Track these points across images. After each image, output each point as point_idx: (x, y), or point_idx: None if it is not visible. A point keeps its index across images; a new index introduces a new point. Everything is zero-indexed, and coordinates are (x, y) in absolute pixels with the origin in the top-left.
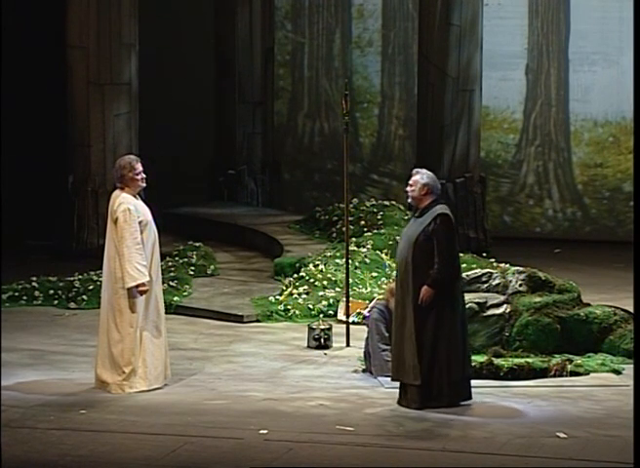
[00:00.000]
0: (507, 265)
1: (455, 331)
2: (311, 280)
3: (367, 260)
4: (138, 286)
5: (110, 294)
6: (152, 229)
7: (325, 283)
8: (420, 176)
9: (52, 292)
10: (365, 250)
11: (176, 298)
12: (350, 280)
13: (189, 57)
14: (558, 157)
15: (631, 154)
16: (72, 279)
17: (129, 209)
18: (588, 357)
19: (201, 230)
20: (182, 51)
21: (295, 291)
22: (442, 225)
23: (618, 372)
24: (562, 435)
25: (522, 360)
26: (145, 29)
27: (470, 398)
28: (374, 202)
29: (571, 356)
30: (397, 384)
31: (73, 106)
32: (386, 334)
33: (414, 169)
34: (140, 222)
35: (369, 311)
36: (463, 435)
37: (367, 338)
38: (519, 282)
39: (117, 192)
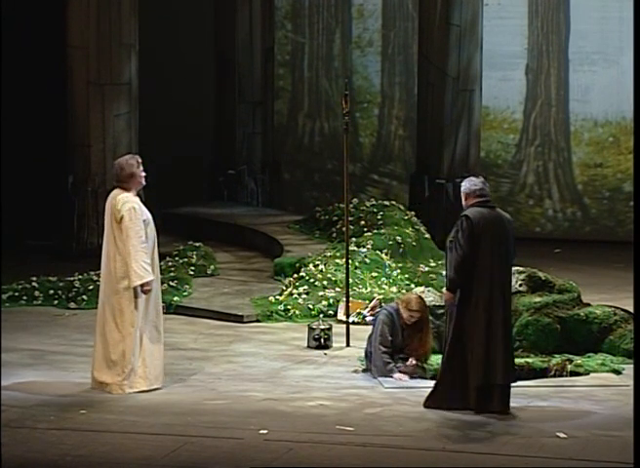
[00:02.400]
0: None
1: (473, 336)
2: (311, 280)
3: (367, 260)
4: (143, 284)
5: (109, 295)
6: (153, 228)
7: (325, 283)
8: (462, 184)
9: (52, 292)
10: (365, 250)
11: (176, 298)
12: (350, 280)
13: (189, 57)
14: (558, 157)
15: (631, 154)
16: (72, 279)
17: (134, 207)
18: (588, 357)
19: (201, 230)
20: (182, 51)
21: (295, 291)
22: (455, 228)
23: (618, 372)
24: (562, 435)
25: (522, 360)
26: (145, 29)
27: (497, 410)
28: (374, 202)
29: (571, 356)
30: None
31: (73, 106)
32: (389, 338)
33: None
34: (143, 221)
35: (369, 311)
36: (463, 435)
37: (369, 337)
38: (519, 282)
39: (117, 191)
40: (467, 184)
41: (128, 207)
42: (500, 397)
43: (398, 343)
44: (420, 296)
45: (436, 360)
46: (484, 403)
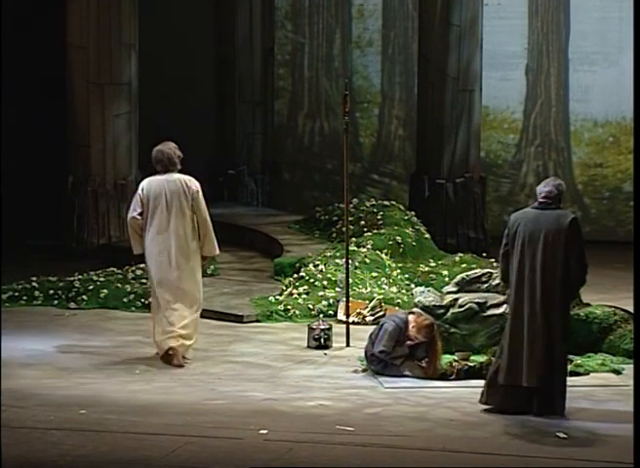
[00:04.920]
0: None
1: (505, 338)
2: (311, 280)
3: (367, 260)
4: None
5: (184, 261)
6: None
7: (325, 283)
8: None
9: (52, 291)
10: (365, 250)
11: None
12: (350, 280)
13: (189, 57)
14: (558, 157)
15: (631, 154)
16: (72, 279)
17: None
18: (588, 357)
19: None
20: (182, 51)
21: (295, 291)
22: None
23: (618, 372)
24: (562, 435)
25: None
26: (145, 29)
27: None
28: (374, 202)
29: (571, 356)
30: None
31: (73, 106)
32: (391, 349)
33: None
34: None
35: (369, 311)
36: (463, 435)
37: (370, 336)
38: None
39: (166, 174)
40: (539, 186)
41: (197, 183)
42: (526, 399)
43: (404, 353)
44: (432, 324)
45: (445, 361)
46: (508, 402)
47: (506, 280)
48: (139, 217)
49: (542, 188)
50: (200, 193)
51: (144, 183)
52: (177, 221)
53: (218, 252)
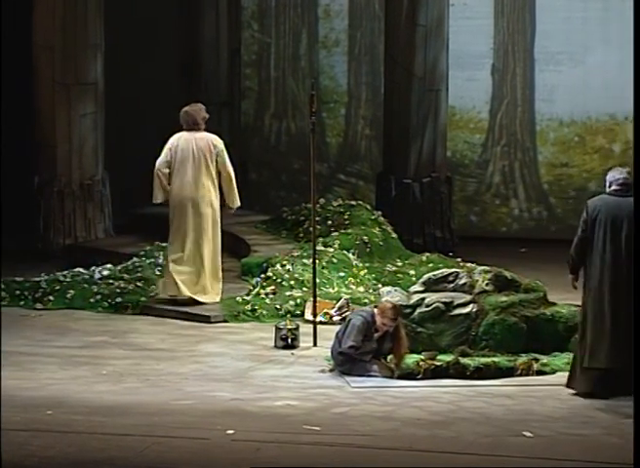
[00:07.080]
0: (474, 265)
1: (588, 323)
2: (279, 280)
3: (334, 260)
4: None
5: (201, 214)
6: None
7: (292, 283)
8: (608, 173)
9: (18, 292)
10: (332, 250)
11: (142, 299)
12: (317, 280)
13: (155, 57)
14: (524, 157)
15: (596, 154)
16: (38, 279)
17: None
18: (554, 356)
19: (167, 230)
20: (148, 51)
21: (262, 290)
22: None
23: None
24: (528, 434)
25: (488, 359)
26: (111, 29)
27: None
28: (340, 202)
29: (537, 355)
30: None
31: (39, 106)
32: (360, 345)
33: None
34: None
35: (336, 310)
36: (430, 434)
37: (337, 335)
38: (485, 281)
39: (192, 132)
40: (611, 173)
41: (221, 141)
42: (604, 381)
43: (372, 348)
44: (395, 306)
45: (411, 360)
46: (587, 385)
47: (575, 265)
48: (165, 170)
49: (618, 175)
50: (225, 151)
51: (174, 138)
52: (201, 174)
53: (239, 203)
